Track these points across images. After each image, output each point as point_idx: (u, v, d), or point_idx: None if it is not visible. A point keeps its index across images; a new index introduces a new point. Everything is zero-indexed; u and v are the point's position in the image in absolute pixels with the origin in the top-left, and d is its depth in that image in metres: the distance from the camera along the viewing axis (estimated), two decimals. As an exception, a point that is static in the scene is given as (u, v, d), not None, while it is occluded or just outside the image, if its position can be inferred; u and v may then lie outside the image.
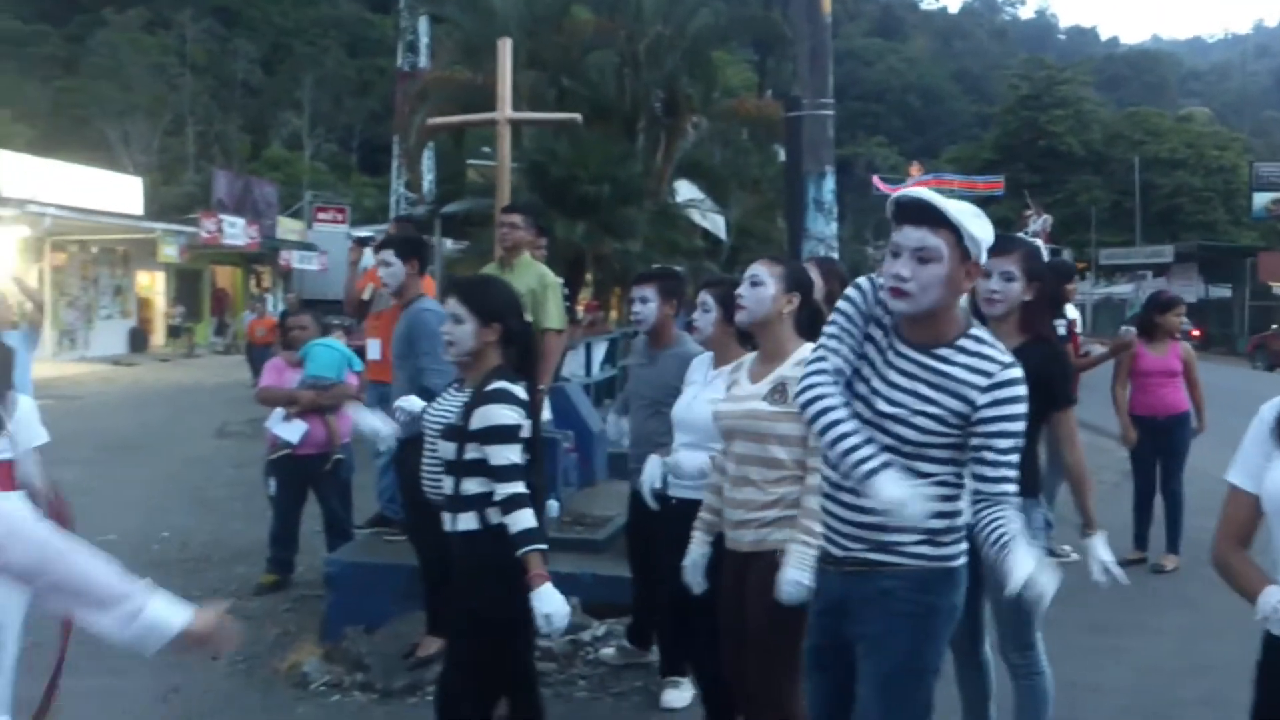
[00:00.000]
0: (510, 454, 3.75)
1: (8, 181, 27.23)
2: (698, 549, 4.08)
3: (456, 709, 3.92)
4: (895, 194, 3.07)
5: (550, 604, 3.62)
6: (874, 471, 2.86)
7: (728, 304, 4.44)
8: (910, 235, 2.90)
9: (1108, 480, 10.17)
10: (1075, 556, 7.62)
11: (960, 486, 3.03)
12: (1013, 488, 2.91)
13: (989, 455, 2.90)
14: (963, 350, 2.95)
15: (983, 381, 2.90)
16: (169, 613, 2.39)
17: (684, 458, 4.57)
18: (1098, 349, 8.69)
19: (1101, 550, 4.01)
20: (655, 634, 5.47)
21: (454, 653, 4.05)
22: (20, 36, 57.99)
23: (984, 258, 2.98)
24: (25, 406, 4.62)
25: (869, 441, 2.93)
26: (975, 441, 2.92)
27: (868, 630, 3.06)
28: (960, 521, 3.05)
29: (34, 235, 26.74)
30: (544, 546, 3.70)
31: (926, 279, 2.88)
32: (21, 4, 61.12)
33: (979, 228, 2.94)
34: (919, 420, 2.93)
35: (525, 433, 3.81)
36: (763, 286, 3.89)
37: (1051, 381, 3.97)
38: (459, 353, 3.96)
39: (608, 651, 5.72)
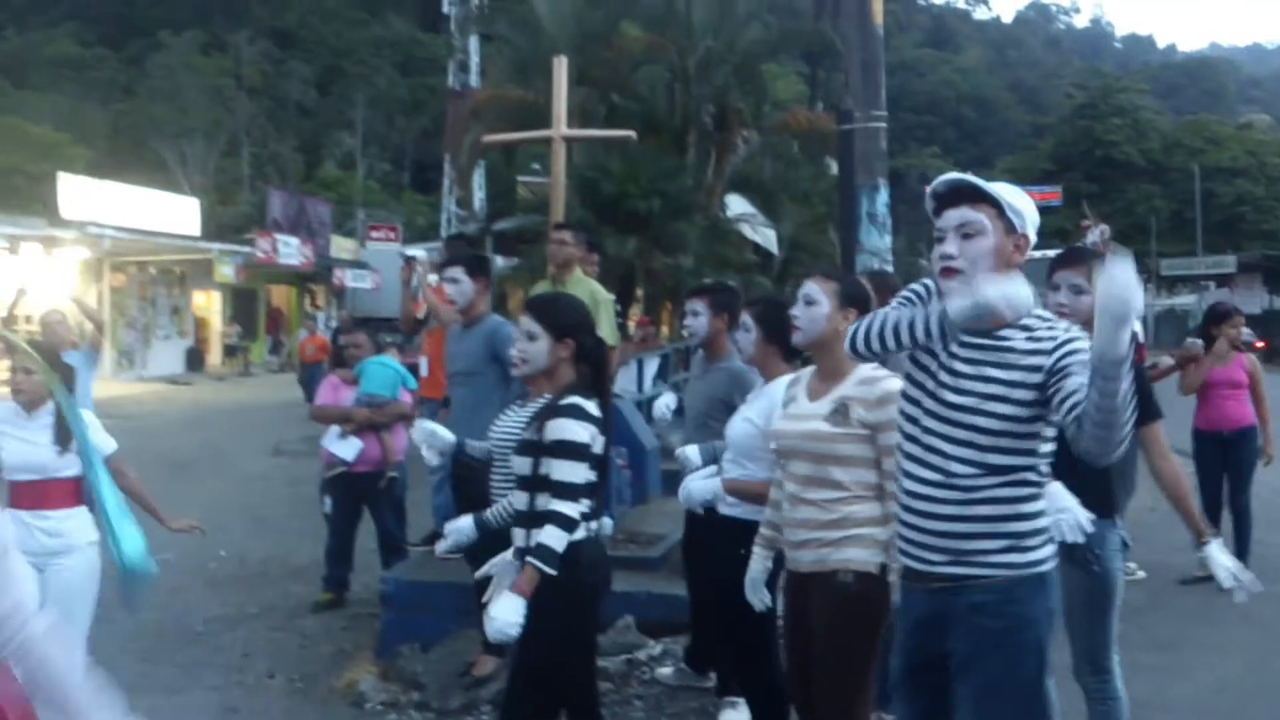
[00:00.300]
0: (573, 472, 3.70)
1: (68, 204, 27.71)
2: (758, 565, 4.02)
3: None
4: (929, 188, 3.06)
5: (505, 610, 3.56)
6: (944, 307, 2.82)
7: (767, 322, 4.43)
8: (950, 216, 2.93)
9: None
10: (1142, 575, 7.49)
11: (1040, 485, 2.94)
12: None
13: (1070, 385, 2.73)
14: (1025, 329, 2.91)
15: (1049, 345, 2.84)
16: None
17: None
18: (1165, 361, 8.56)
19: (1225, 557, 3.86)
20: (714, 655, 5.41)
21: (518, 669, 4.00)
22: (79, 61, 59.21)
23: (1031, 231, 2.95)
24: (90, 422, 4.73)
25: (923, 304, 2.95)
26: (1054, 388, 2.78)
27: (959, 648, 2.95)
28: (1043, 523, 2.95)
29: (93, 256, 27.14)
30: (552, 572, 3.61)
31: (974, 253, 2.89)
32: (80, 29, 62.35)
33: (1019, 200, 2.93)
34: (991, 406, 2.87)
35: (597, 449, 3.78)
36: (817, 305, 3.81)
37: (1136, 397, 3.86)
38: (531, 369, 3.92)
39: (664, 671, 5.66)
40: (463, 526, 4.20)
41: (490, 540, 4.18)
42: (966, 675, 2.94)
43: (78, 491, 4.72)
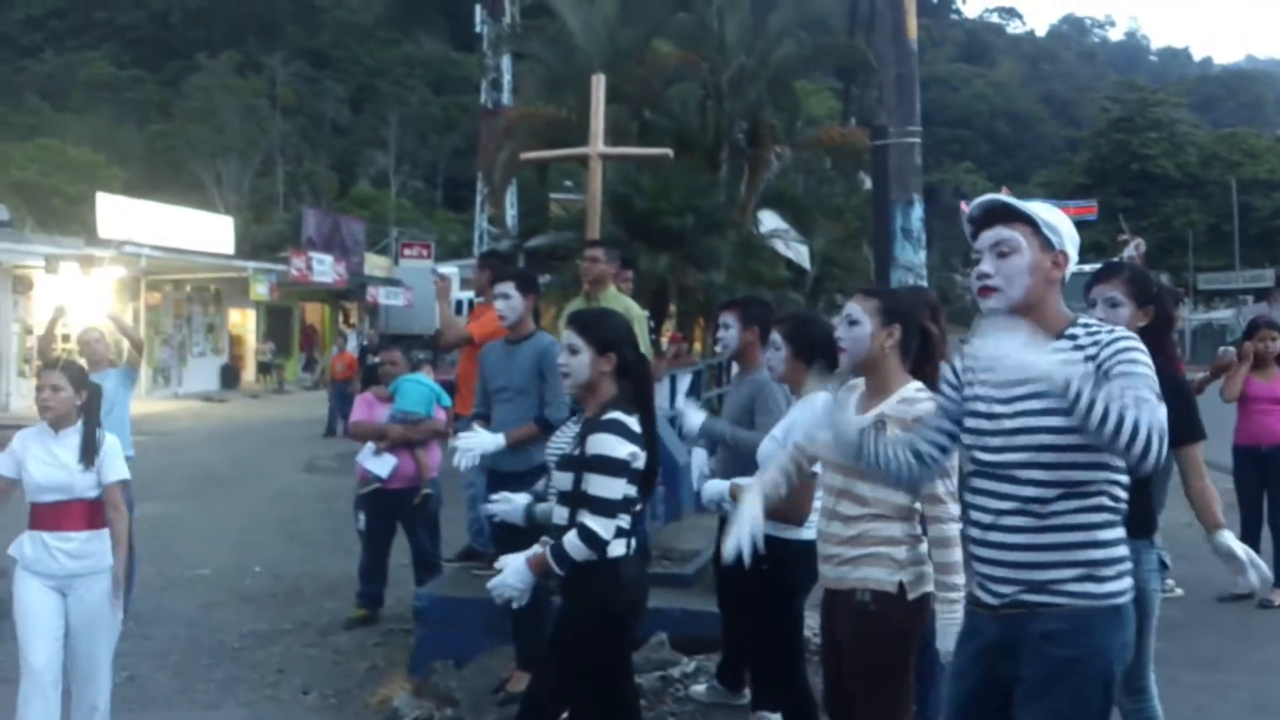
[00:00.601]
0: (609, 488, 3.71)
1: (105, 223, 28.00)
2: (749, 509, 3.62)
3: None
4: (965, 212, 3.07)
5: (513, 573, 3.78)
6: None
7: (796, 340, 4.44)
8: (986, 236, 2.96)
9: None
10: (1180, 592, 7.40)
11: (1118, 512, 2.87)
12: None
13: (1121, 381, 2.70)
14: (1072, 338, 2.88)
15: (1094, 350, 2.80)
16: None
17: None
18: (1199, 376, 8.47)
19: (1236, 543, 3.78)
20: (746, 671, 5.38)
21: (540, 679, 3.97)
22: (116, 82, 59.99)
23: (1070, 248, 2.95)
24: (111, 444, 4.73)
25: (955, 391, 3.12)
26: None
27: (1027, 675, 2.89)
28: (1121, 552, 2.88)
29: (130, 275, 27.38)
30: (560, 572, 3.74)
31: (1010, 270, 2.90)
32: (117, 51, 63.14)
33: (1054, 217, 2.95)
34: (1048, 420, 2.81)
35: (637, 464, 3.79)
36: (859, 325, 3.74)
37: (1178, 415, 3.79)
38: (575, 384, 3.95)
39: (698, 689, 5.63)
40: (517, 503, 4.44)
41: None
42: (1032, 703, 2.88)
43: (99, 513, 4.71)
